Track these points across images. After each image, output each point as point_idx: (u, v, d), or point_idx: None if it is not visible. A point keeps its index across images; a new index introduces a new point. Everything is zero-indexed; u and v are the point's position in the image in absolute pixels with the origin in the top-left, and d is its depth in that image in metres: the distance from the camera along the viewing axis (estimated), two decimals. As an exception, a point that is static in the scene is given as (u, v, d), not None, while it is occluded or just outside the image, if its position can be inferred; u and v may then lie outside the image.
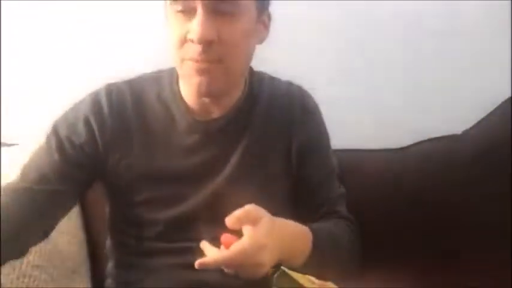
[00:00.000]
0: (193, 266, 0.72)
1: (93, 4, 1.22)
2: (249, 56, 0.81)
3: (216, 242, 0.73)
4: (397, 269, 1.01)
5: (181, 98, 0.84)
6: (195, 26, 0.70)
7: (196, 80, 0.74)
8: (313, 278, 0.55)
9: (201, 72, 0.73)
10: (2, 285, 0.91)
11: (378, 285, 0.95)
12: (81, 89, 1.24)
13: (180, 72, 0.77)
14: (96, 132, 0.81)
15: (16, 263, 0.95)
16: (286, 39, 1.18)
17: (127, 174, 0.83)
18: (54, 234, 0.97)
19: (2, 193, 0.77)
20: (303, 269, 0.73)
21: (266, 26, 0.82)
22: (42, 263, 0.98)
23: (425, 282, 1.03)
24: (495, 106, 1.14)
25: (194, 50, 0.72)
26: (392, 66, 1.30)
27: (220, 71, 0.74)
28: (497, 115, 1.13)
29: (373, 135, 1.24)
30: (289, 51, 1.20)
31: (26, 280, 0.95)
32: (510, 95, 1.13)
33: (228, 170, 0.83)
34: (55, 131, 0.83)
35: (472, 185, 1.08)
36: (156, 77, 0.87)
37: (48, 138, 0.84)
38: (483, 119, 1.14)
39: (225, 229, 0.70)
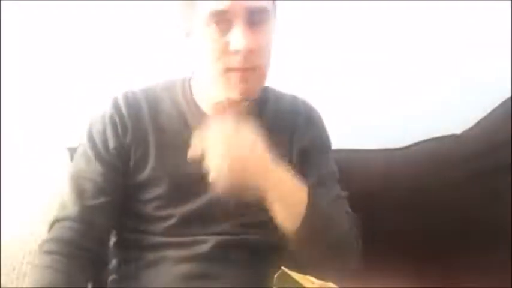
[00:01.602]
0: (195, 258, 0.76)
1: (93, 4, 1.22)
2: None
3: (222, 236, 0.81)
4: (397, 269, 1.01)
5: (195, 102, 0.88)
6: (239, 37, 0.75)
7: (240, 87, 0.79)
8: (313, 278, 0.55)
9: (243, 80, 0.78)
10: (2, 285, 0.91)
11: (378, 285, 0.95)
12: (81, 89, 1.26)
13: (220, 81, 0.80)
14: (120, 134, 0.86)
15: (16, 263, 0.95)
16: (286, 39, 1.18)
17: (141, 173, 0.86)
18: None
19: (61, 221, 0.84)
20: (299, 241, 0.78)
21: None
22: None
23: (426, 282, 1.03)
24: (495, 106, 1.14)
25: (235, 59, 0.76)
26: (392, 67, 1.30)
27: (257, 77, 0.80)
28: (497, 115, 1.13)
29: (373, 135, 1.24)
30: (289, 51, 1.20)
31: (26, 280, 0.95)
32: (510, 95, 1.13)
33: None
34: (89, 141, 0.87)
35: (472, 185, 1.08)
36: (170, 84, 0.92)
37: (84, 151, 0.87)
38: (483, 119, 1.15)
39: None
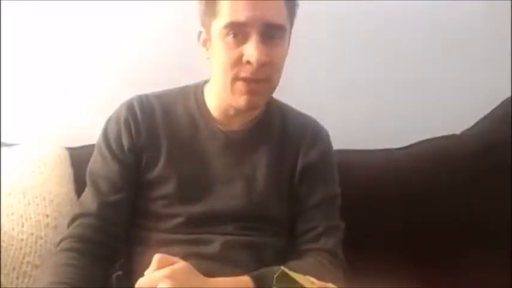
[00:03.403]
0: (201, 255, 0.79)
1: (94, 4, 1.22)
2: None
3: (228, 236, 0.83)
4: (396, 268, 1.01)
5: (207, 109, 0.91)
6: (252, 50, 0.78)
7: (247, 97, 0.82)
8: (312, 279, 0.55)
9: (251, 90, 0.82)
10: (2, 285, 0.91)
11: (378, 285, 0.95)
12: (81, 89, 1.26)
13: (229, 89, 0.83)
14: (134, 135, 0.89)
15: (16, 263, 0.95)
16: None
17: (151, 172, 0.89)
18: (54, 234, 0.97)
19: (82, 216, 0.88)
20: None
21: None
22: (42, 263, 0.98)
23: (425, 281, 1.03)
24: (495, 106, 1.14)
25: (247, 70, 0.80)
26: (392, 67, 1.30)
27: (266, 89, 0.84)
28: (497, 115, 1.13)
29: (373, 135, 1.24)
30: (289, 51, 1.20)
31: (26, 280, 0.95)
32: (510, 95, 1.13)
33: (242, 179, 0.89)
34: (105, 142, 0.90)
35: (472, 185, 1.08)
36: (183, 90, 0.95)
37: (101, 151, 0.91)
38: (483, 119, 1.15)
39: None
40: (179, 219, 0.87)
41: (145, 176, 0.89)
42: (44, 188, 1.04)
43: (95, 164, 0.91)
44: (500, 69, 1.24)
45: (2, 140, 1.17)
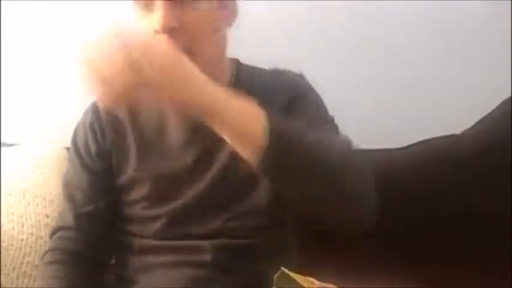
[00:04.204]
0: (187, 264, 0.75)
1: (94, 4, 1.22)
2: (220, 43, 0.80)
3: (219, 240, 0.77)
4: (396, 269, 1.00)
5: None
6: (157, 15, 0.70)
7: None
8: (313, 280, 0.55)
9: None
10: (2, 285, 0.91)
11: (378, 285, 0.95)
12: (81, 89, 1.26)
13: None
14: (99, 139, 0.86)
15: (16, 263, 0.95)
16: (286, 38, 1.18)
17: (124, 175, 0.85)
18: (54, 234, 0.97)
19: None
20: (272, 179, 0.68)
21: (233, 10, 0.80)
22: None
23: (425, 282, 1.03)
24: (495, 106, 1.14)
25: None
26: (392, 67, 1.30)
27: (192, 61, 0.67)
28: (497, 115, 1.13)
29: (373, 135, 1.24)
30: (288, 51, 1.20)
31: (26, 280, 0.95)
32: (510, 95, 1.13)
33: (216, 165, 0.83)
34: (74, 149, 0.88)
35: (472, 185, 1.08)
36: None
37: (71, 159, 0.89)
38: (483, 119, 1.14)
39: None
40: (162, 220, 0.83)
41: (119, 180, 0.86)
42: (44, 188, 1.05)
43: (67, 174, 0.89)
44: (500, 69, 1.24)
45: (2, 140, 1.17)
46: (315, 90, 0.89)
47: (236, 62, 0.89)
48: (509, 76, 1.20)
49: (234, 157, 0.76)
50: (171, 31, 0.69)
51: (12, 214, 1.00)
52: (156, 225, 0.84)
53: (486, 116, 1.15)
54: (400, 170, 1.14)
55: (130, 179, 0.85)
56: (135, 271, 0.86)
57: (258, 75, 0.88)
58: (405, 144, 1.18)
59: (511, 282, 0.96)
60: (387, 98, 1.30)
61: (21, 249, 0.98)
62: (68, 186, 0.88)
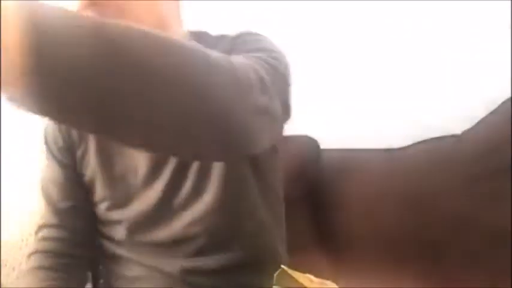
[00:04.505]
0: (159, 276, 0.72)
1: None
2: (156, 15, 0.70)
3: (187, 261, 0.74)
4: (396, 269, 1.00)
5: None
6: None
7: None
8: (312, 277, 0.55)
9: None
10: (2, 285, 0.91)
11: (378, 285, 0.95)
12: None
13: None
14: (64, 132, 0.83)
15: (16, 263, 0.95)
16: (286, 38, 1.18)
17: (88, 173, 0.83)
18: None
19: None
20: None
21: None
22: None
23: (425, 282, 1.03)
24: (495, 106, 1.14)
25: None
26: (392, 66, 1.30)
27: None
28: (497, 115, 1.13)
29: (373, 135, 1.24)
30: (288, 51, 1.20)
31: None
32: (510, 95, 1.13)
33: (169, 167, 0.78)
34: (45, 144, 0.86)
35: (472, 185, 1.08)
36: None
37: (45, 154, 0.86)
38: (483, 119, 1.14)
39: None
40: (123, 225, 0.80)
41: (84, 177, 0.82)
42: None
43: (43, 171, 0.86)
44: (500, 69, 1.24)
45: (2, 141, 1.17)
46: (261, 34, 0.77)
47: (196, 34, 0.81)
48: (509, 76, 1.20)
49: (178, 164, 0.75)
50: (93, 5, 0.62)
51: (13, 214, 1.00)
52: (119, 231, 0.81)
53: (486, 117, 1.15)
54: (400, 170, 1.14)
55: (91, 177, 0.82)
56: (115, 280, 0.85)
57: (208, 40, 0.79)
58: (405, 144, 1.18)
59: (511, 282, 0.96)
60: (387, 98, 1.30)
61: (21, 249, 0.98)
62: (43, 183, 0.85)
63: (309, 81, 1.25)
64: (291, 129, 1.00)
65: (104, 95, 0.43)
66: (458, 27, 1.28)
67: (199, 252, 0.78)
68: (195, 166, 0.75)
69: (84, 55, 0.42)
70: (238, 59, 0.57)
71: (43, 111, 0.45)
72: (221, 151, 0.55)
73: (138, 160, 0.79)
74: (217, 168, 0.75)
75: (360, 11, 1.28)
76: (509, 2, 1.22)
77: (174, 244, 0.79)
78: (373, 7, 1.28)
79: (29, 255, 0.83)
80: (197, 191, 0.76)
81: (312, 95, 1.18)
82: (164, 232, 0.79)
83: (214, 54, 0.53)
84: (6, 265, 0.94)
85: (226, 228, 0.78)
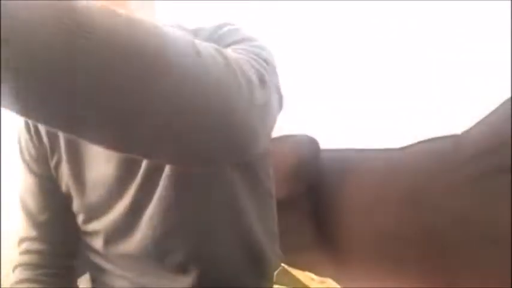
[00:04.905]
0: None
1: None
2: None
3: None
4: (396, 269, 1.00)
5: None
6: None
7: None
8: (312, 275, 0.55)
9: None
10: (2, 286, 0.91)
11: (378, 285, 0.95)
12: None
13: None
14: (36, 140, 0.80)
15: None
16: (286, 38, 1.18)
17: (62, 182, 0.80)
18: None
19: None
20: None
21: None
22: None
23: (425, 282, 1.03)
24: (495, 106, 1.14)
25: None
26: (392, 66, 1.30)
27: None
28: (497, 115, 1.13)
29: (373, 135, 1.24)
30: (288, 50, 1.20)
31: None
32: (510, 95, 1.13)
33: (139, 176, 0.74)
34: (19, 154, 0.83)
35: (472, 185, 1.08)
36: None
37: (21, 166, 0.83)
38: (483, 119, 1.14)
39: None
40: (100, 237, 0.78)
41: (61, 187, 0.80)
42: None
43: (21, 182, 0.83)
44: (500, 69, 1.24)
45: (2, 141, 1.17)
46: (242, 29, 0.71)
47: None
48: (509, 76, 1.21)
49: (154, 168, 0.70)
50: None
51: (13, 214, 1.00)
52: (98, 242, 0.79)
53: (486, 117, 1.15)
54: (400, 170, 1.14)
55: (66, 186, 0.79)
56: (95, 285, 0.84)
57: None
58: (405, 144, 1.18)
59: (511, 282, 0.96)
60: (387, 98, 1.30)
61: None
62: (21, 194, 0.83)
63: (309, 81, 1.25)
64: (291, 129, 1.00)
65: (83, 92, 0.40)
66: (458, 27, 1.28)
67: (180, 268, 0.74)
68: (166, 172, 0.70)
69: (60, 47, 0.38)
70: (231, 54, 0.54)
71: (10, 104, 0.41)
72: (227, 153, 0.52)
73: (108, 170, 0.75)
74: (193, 175, 0.70)
75: (360, 11, 1.28)
76: (509, 2, 1.22)
77: (152, 258, 0.75)
78: (373, 7, 1.28)
79: (13, 269, 0.83)
80: (168, 200, 0.71)
81: (312, 95, 1.18)
82: (138, 243, 0.74)
83: (208, 49, 0.50)
84: (6, 265, 0.94)
85: (205, 240, 0.74)
